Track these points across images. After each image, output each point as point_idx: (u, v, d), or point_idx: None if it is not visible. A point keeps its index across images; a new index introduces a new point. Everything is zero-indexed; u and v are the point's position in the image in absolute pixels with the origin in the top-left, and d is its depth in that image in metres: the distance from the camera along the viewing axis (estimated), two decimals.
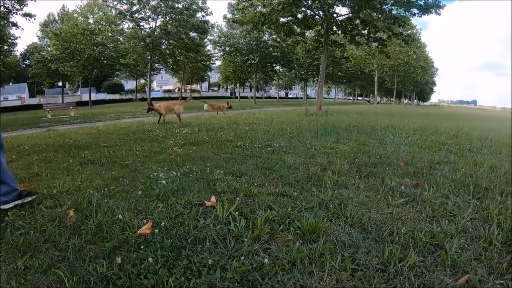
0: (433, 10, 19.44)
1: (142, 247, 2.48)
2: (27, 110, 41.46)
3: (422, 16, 20.23)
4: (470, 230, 2.96)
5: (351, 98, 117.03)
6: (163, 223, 2.84)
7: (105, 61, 47.40)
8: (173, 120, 13.45)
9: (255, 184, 4.00)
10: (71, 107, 26.98)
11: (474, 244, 2.71)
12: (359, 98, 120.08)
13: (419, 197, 3.72)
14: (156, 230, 2.70)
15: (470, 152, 7.19)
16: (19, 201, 3.30)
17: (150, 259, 2.28)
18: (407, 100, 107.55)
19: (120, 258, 2.31)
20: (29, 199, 3.38)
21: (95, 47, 43.30)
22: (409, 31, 34.93)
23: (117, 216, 2.97)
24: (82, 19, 46.42)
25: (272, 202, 3.40)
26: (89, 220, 2.92)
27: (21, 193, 3.36)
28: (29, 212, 3.19)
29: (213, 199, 3.42)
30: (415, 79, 70.56)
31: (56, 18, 57.50)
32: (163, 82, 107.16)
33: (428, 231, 2.86)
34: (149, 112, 14.10)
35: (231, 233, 2.71)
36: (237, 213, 3.02)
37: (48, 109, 25.68)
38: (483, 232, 2.92)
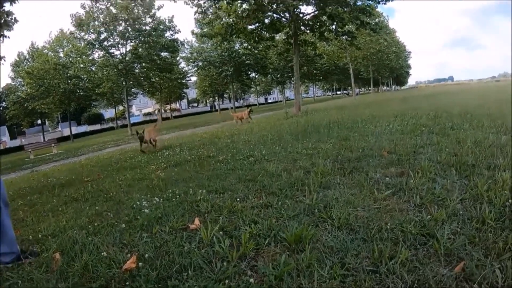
0: None
1: (127, 282, 2.41)
2: (9, 153, 40.82)
3: (387, 3, 20.43)
4: (461, 212, 2.91)
5: (330, 93, 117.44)
6: (147, 255, 2.76)
7: (81, 93, 46.89)
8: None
9: (238, 199, 3.93)
10: (53, 144, 26.66)
11: (467, 226, 2.67)
12: (338, 92, 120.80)
13: (405, 185, 3.68)
14: (140, 264, 2.62)
15: (452, 130, 7.19)
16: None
17: None
18: (385, 87, 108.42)
19: None
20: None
21: (69, 80, 42.85)
22: (376, 20, 35.20)
23: (102, 254, 2.90)
24: (52, 54, 45.91)
25: (256, 215, 3.33)
26: (75, 261, 2.85)
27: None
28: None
29: (196, 221, 3.35)
30: (390, 65, 71.17)
31: (27, 57, 56.80)
32: (142, 105, 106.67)
33: (418, 221, 2.80)
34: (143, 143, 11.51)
35: (216, 254, 2.64)
36: (221, 232, 2.96)
37: (30, 150, 25.33)
38: (475, 212, 2.87)
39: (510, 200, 3.00)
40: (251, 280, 2.24)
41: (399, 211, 3.08)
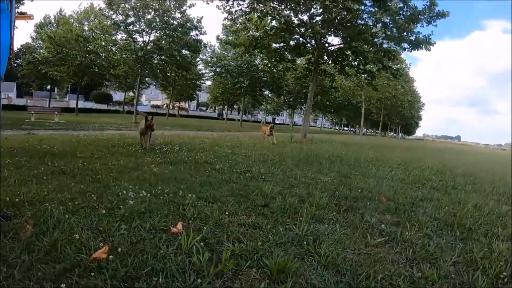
0: (423, 46, 19.67)
1: (93, 273, 2.28)
2: (12, 110, 40.67)
3: (412, 51, 20.46)
4: (453, 275, 2.81)
5: (337, 127, 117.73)
6: (120, 249, 2.62)
7: (96, 70, 47.03)
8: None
9: (227, 212, 3.82)
10: (56, 113, 26.49)
11: None
12: (345, 128, 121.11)
13: (399, 236, 3.58)
14: (111, 256, 2.47)
15: (454, 189, 7.18)
16: None
17: None
18: (392, 133, 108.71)
19: (65, 285, 2.09)
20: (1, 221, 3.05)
21: (87, 55, 42.91)
22: (398, 65, 35.31)
23: (74, 235, 2.77)
24: (77, 25, 46.10)
25: (242, 234, 3.20)
26: (45, 236, 2.74)
27: None
28: None
29: (179, 225, 3.21)
30: (402, 113, 71.33)
31: (52, 21, 57.10)
32: (152, 97, 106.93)
33: (408, 276, 2.69)
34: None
35: (192, 266, 2.50)
36: (202, 243, 2.82)
37: (32, 112, 25.18)
38: (467, 278, 2.79)
39: (504, 273, 2.91)
40: None
41: (390, 261, 2.96)
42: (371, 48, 20.81)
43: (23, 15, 20.99)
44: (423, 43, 19.60)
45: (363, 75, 27.17)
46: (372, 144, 27.00)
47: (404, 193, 6.04)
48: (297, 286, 2.36)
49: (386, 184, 6.77)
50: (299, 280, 2.46)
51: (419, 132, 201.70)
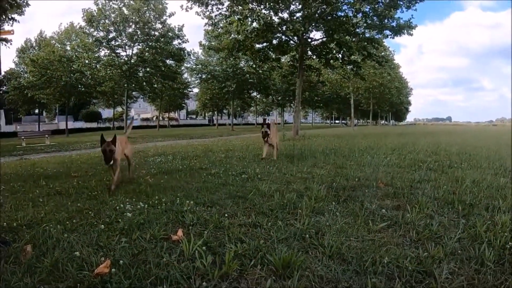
0: (405, 30, 19.80)
1: None
2: (2, 137, 40.44)
3: (395, 37, 20.58)
4: (459, 252, 2.80)
5: (328, 122, 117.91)
6: (122, 261, 2.60)
7: (82, 89, 46.93)
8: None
9: (226, 214, 3.81)
10: (47, 135, 26.48)
11: (465, 267, 2.55)
12: (337, 121, 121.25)
13: (401, 219, 3.56)
14: (114, 270, 2.45)
15: (450, 168, 7.21)
16: None
17: None
18: (383, 121, 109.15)
19: None
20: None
21: (72, 74, 42.82)
22: (382, 53, 35.43)
23: (75, 253, 2.75)
24: (59, 46, 45.99)
25: (243, 234, 3.18)
26: (45, 257, 2.71)
27: None
28: None
29: (179, 232, 3.19)
30: (391, 100, 71.57)
31: (34, 45, 56.95)
32: (141, 110, 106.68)
33: (414, 257, 2.67)
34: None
35: (196, 270, 2.47)
36: (204, 248, 2.79)
37: (23, 137, 25.13)
38: (473, 252, 2.77)
39: (510, 243, 2.90)
40: None
41: (395, 245, 2.94)
42: (353, 39, 20.87)
43: (4, 31, 20.90)
44: (404, 27, 19.72)
45: (348, 66, 27.21)
46: (364, 134, 27.11)
47: (401, 177, 6.05)
48: (304, 279, 2.34)
49: (382, 170, 6.77)
50: (305, 273, 2.44)
51: (409, 118, 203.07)
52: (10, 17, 22.62)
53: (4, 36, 22.50)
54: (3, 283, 2.36)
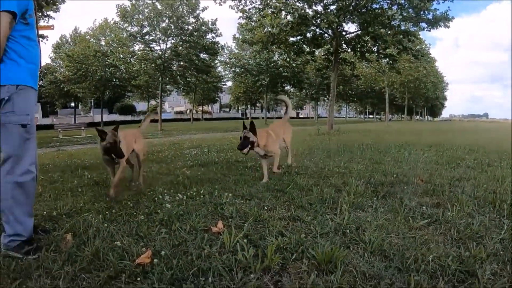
0: (441, 23, 19.34)
1: (139, 278, 2.28)
2: (39, 129, 41.42)
3: (431, 30, 20.16)
4: (501, 252, 2.69)
5: (362, 116, 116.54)
6: (163, 252, 2.62)
7: (116, 83, 48.00)
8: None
9: (266, 207, 3.80)
10: (83, 128, 27.20)
11: (508, 268, 2.46)
12: (370, 116, 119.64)
13: (441, 217, 3.46)
14: (156, 260, 2.48)
15: (490, 166, 6.96)
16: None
17: None
18: (418, 116, 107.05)
19: None
20: (40, 236, 3.02)
21: (106, 69, 43.82)
22: (418, 47, 34.72)
23: (116, 243, 2.79)
24: (94, 41, 46.99)
25: (283, 227, 3.16)
26: (86, 246, 2.75)
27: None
28: None
29: (220, 224, 3.20)
30: (426, 95, 70.20)
31: (69, 40, 58.35)
32: (175, 103, 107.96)
33: (456, 256, 2.59)
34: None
35: (238, 263, 2.47)
36: (245, 240, 2.79)
37: (59, 129, 25.88)
38: None
39: None
40: None
41: (436, 243, 2.86)
42: (389, 32, 20.50)
43: (44, 26, 21.49)
44: (441, 19, 19.26)
45: (384, 60, 26.85)
46: (399, 129, 26.64)
47: (439, 174, 5.89)
48: (346, 274, 2.31)
49: (420, 167, 6.62)
50: (348, 268, 2.41)
51: (445, 113, 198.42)
52: (45, 14, 23.25)
53: (42, 32, 23.12)
54: (44, 271, 2.40)
